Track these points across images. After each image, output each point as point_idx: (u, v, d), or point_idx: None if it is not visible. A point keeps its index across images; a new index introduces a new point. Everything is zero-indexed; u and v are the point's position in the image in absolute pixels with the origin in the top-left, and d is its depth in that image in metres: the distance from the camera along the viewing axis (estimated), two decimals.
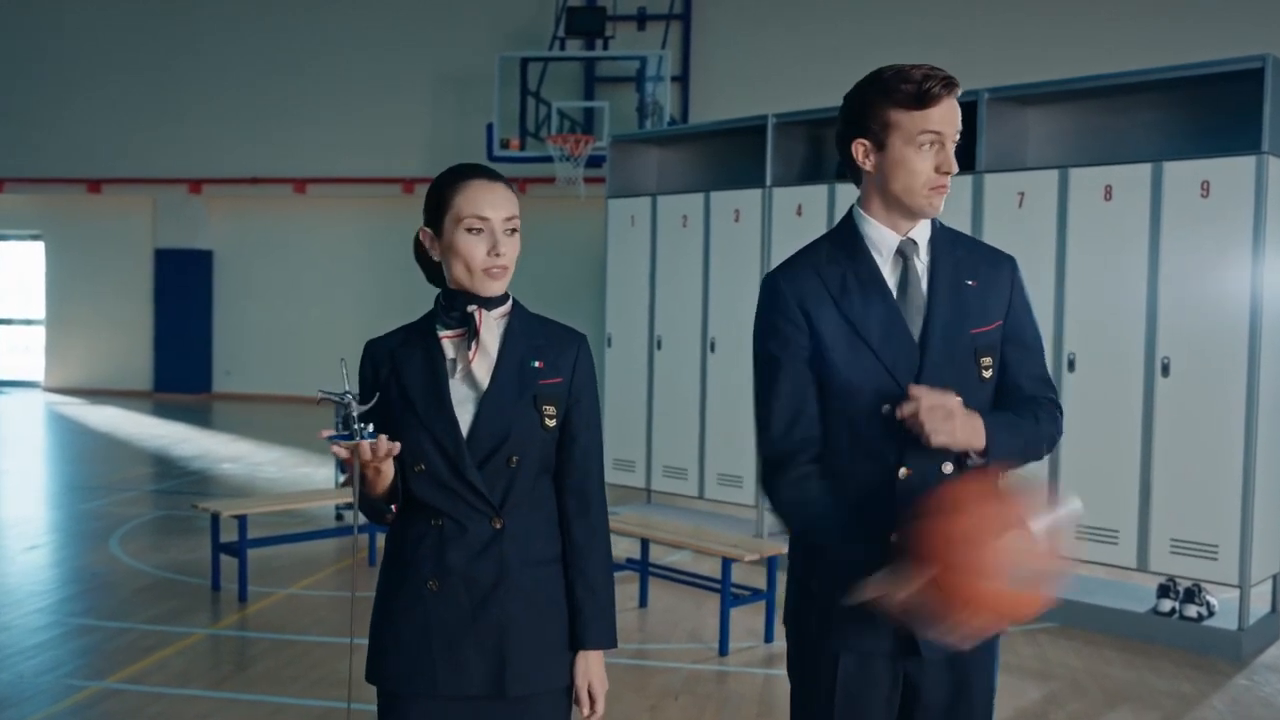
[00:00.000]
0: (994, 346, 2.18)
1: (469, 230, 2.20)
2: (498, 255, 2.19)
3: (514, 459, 2.19)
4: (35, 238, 17.83)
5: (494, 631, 2.19)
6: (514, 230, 2.22)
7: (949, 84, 2.10)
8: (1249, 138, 5.32)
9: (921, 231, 2.20)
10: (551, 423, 2.24)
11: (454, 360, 2.23)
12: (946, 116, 2.09)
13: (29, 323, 18.37)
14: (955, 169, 2.11)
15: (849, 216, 2.24)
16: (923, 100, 2.08)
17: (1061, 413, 2.25)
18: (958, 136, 2.12)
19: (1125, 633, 5.54)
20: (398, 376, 2.24)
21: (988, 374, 2.18)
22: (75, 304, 17.45)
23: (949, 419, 2.02)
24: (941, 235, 2.23)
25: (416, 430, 2.19)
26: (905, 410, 2.03)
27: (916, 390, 2.05)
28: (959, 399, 2.05)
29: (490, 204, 2.20)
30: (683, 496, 7.82)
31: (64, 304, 17.54)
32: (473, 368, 2.21)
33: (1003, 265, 2.24)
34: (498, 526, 2.20)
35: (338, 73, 16.10)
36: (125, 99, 16.81)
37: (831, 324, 2.15)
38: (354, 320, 15.46)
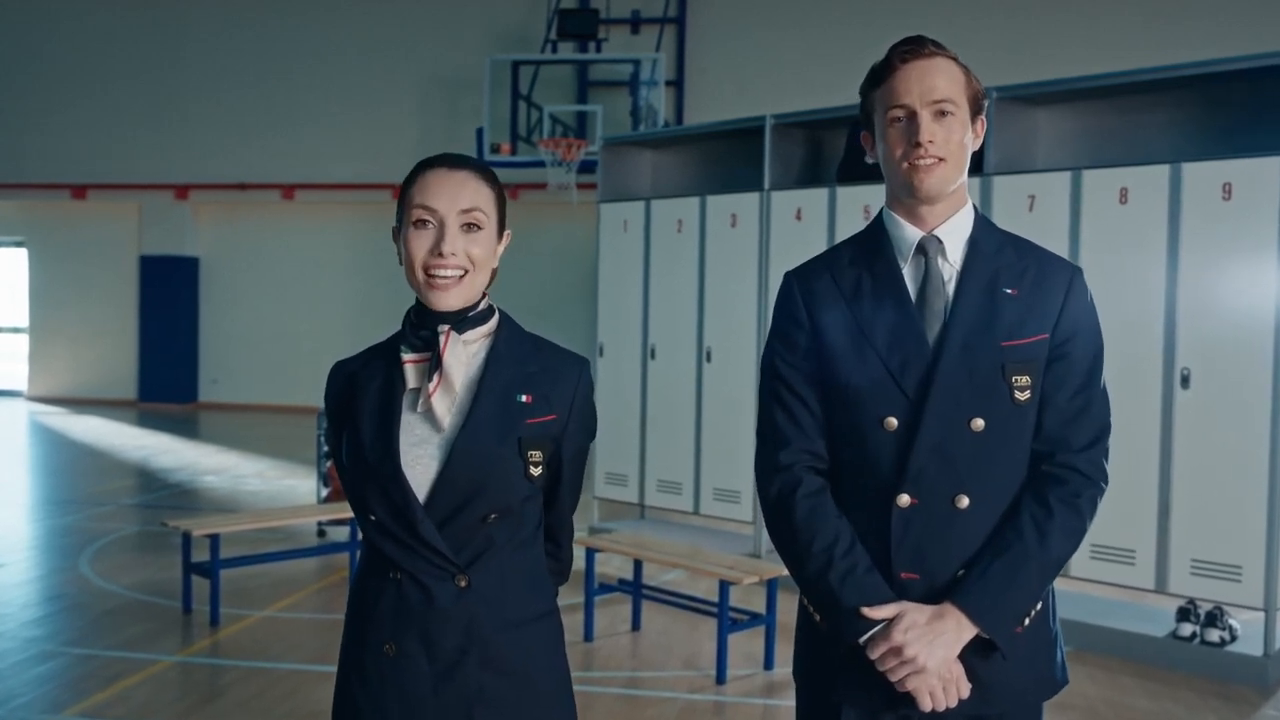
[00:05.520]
0: (1031, 364, 1.89)
1: (414, 224, 1.84)
2: (440, 255, 1.81)
3: (490, 517, 1.83)
4: (18, 244, 17.53)
5: (461, 705, 1.84)
6: (474, 225, 1.83)
7: (911, 49, 1.89)
8: (1273, 137, 5.06)
9: (955, 229, 1.94)
10: (537, 470, 1.86)
11: (417, 390, 1.85)
12: (907, 85, 1.87)
13: (13, 330, 18.09)
14: (930, 137, 1.85)
15: (878, 215, 2.01)
16: (883, 73, 1.91)
17: (1098, 481, 1.92)
18: (940, 102, 1.87)
19: (1144, 658, 5.26)
20: (352, 407, 1.88)
21: (1023, 397, 1.88)
22: (59, 311, 17.14)
23: (911, 668, 1.85)
24: (986, 236, 1.96)
25: (364, 474, 1.84)
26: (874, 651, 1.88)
27: (889, 632, 1.85)
28: (931, 636, 1.83)
29: (439, 192, 1.83)
30: (678, 512, 7.53)
31: (48, 311, 17.23)
32: (432, 401, 1.82)
33: (1059, 274, 1.94)
34: (463, 585, 1.84)
35: (326, 77, 15.83)
36: (112, 104, 16.52)
37: (838, 326, 1.92)
38: (343, 328, 15.21)
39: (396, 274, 2.19)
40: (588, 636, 5.51)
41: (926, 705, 1.84)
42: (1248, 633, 5.21)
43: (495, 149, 13.22)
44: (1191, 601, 5.27)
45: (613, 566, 6.53)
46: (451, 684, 1.85)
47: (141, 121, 16.50)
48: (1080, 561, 5.39)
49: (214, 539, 5.82)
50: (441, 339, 1.83)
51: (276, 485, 10.02)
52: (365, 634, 1.89)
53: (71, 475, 10.73)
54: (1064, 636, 2.04)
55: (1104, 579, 5.42)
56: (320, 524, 7.49)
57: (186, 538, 5.91)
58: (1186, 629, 5.21)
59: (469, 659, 1.85)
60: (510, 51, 14.46)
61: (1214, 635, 5.13)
